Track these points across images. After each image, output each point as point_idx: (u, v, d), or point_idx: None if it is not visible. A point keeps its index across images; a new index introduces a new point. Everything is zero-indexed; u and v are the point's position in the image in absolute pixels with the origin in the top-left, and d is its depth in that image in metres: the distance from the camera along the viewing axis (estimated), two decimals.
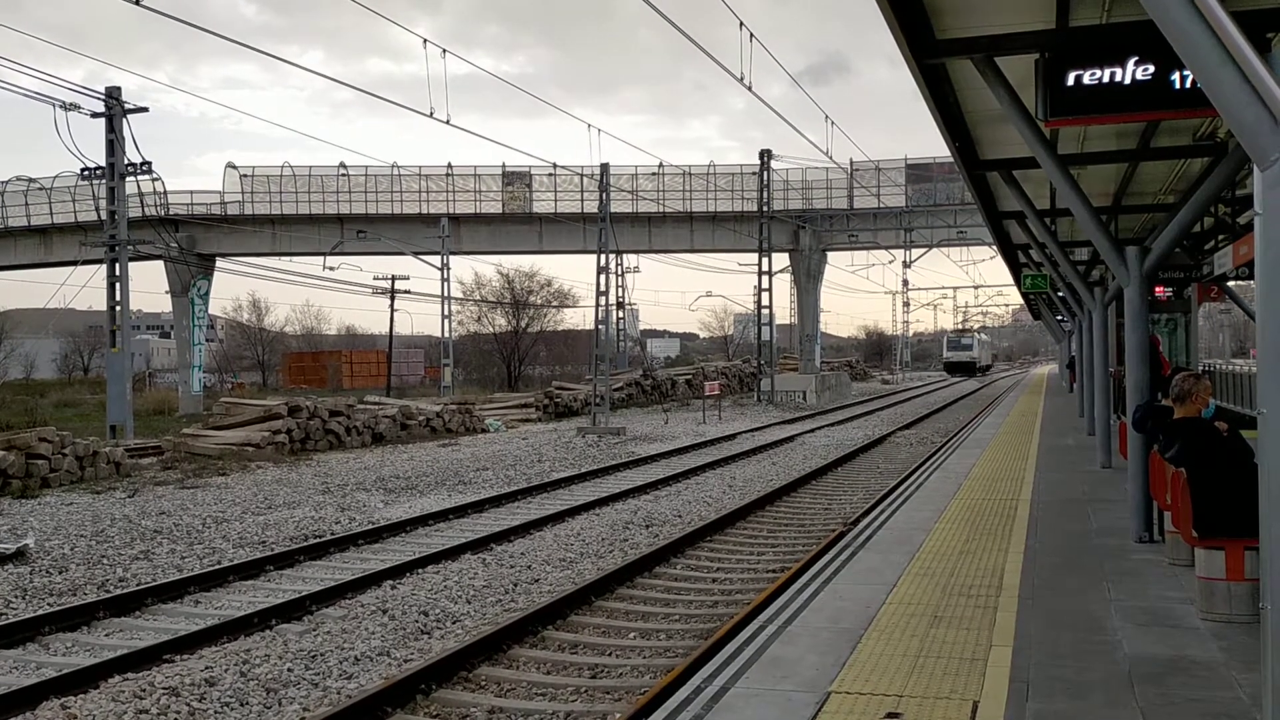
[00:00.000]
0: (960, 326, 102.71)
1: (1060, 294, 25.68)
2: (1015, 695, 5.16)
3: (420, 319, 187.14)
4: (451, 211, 51.28)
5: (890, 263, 63.19)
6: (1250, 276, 19.77)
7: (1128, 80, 7.40)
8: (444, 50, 21.30)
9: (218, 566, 12.13)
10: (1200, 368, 25.54)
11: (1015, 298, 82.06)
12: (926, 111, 10.16)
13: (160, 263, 49.10)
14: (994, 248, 33.70)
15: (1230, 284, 24.55)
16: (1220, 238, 20.05)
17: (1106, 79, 7.46)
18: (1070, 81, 7.52)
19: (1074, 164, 12.56)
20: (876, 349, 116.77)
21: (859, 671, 5.60)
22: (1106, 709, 4.99)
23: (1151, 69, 7.32)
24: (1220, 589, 6.44)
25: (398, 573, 11.56)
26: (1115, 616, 6.63)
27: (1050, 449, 17.40)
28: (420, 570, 11.78)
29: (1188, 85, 7.17)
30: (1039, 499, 11.72)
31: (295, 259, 49.57)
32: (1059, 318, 39.28)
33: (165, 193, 49.47)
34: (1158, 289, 22.97)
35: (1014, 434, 20.66)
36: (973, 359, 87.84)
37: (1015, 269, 28.28)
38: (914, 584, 7.62)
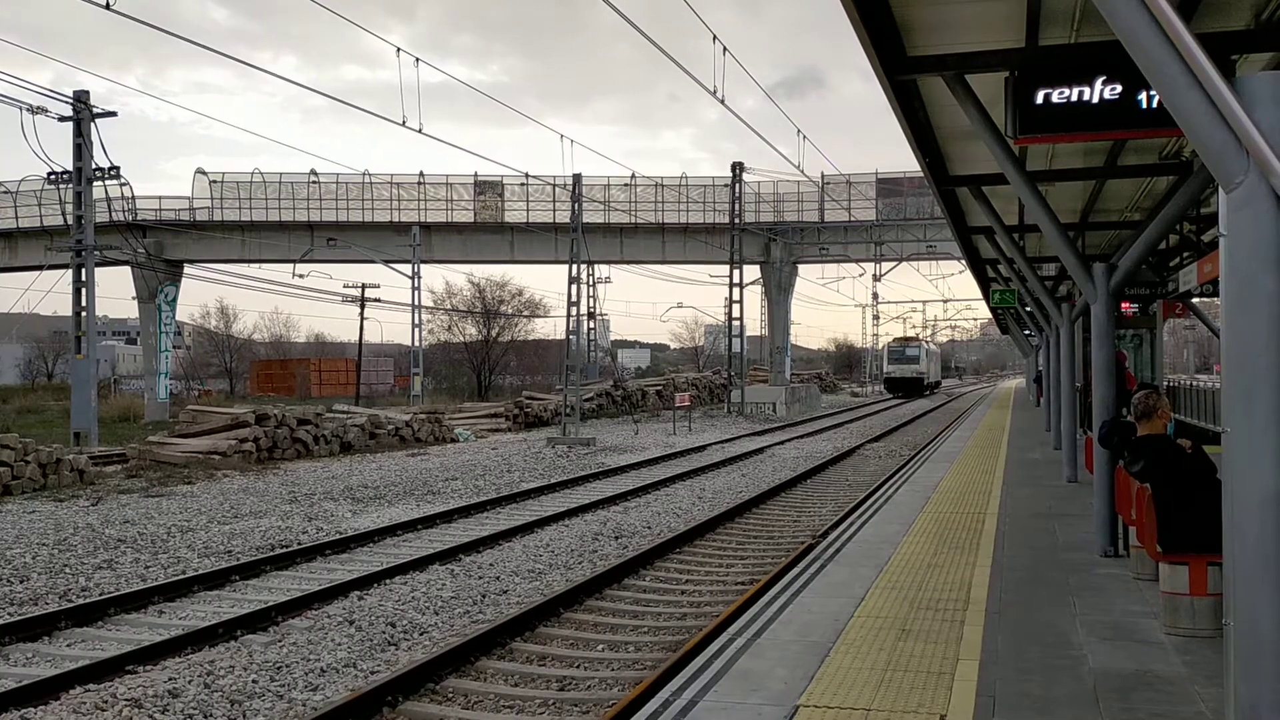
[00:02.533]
0: (905, 335, 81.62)
1: (1028, 309, 25.92)
2: (982, 709, 5.19)
3: (390, 327, 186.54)
4: (423, 220, 51.12)
5: (860, 275, 63.43)
6: (1214, 294, 20.04)
7: (1095, 99, 7.49)
8: (417, 59, 21.29)
9: (182, 576, 11.99)
10: (1164, 384, 25.83)
11: (983, 312, 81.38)
12: (898, 126, 10.24)
13: (127, 268, 48.65)
14: (963, 262, 33.96)
15: (1194, 300, 24.88)
16: (1185, 255, 20.33)
17: (1075, 98, 7.55)
18: (1039, 100, 7.60)
19: (1042, 181, 12.69)
20: (846, 361, 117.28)
21: (827, 685, 5.61)
22: None
23: (1119, 88, 7.42)
24: (1184, 604, 6.51)
25: (365, 583, 11.47)
26: (1081, 631, 6.68)
27: (1017, 463, 17.53)
28: (388, 581, 11.70)
29: (1154, 105, 7.26)
30: (1006, 513, 11.80)
31: (264, 266, 49.21)
32: (1026, 332, 39.62)
33: (133, 197, 49.06)
34: (1124, 305, 23.25)
35: (981, 448, 20.80)
36: (919, 374, 72.18)
37: (984, 283, 28.51)
38: (882, 597, 7.65)
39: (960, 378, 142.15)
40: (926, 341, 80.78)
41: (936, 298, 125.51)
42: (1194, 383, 28.09)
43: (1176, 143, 11.31)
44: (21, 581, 11.93)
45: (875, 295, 74.33)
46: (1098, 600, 7.51)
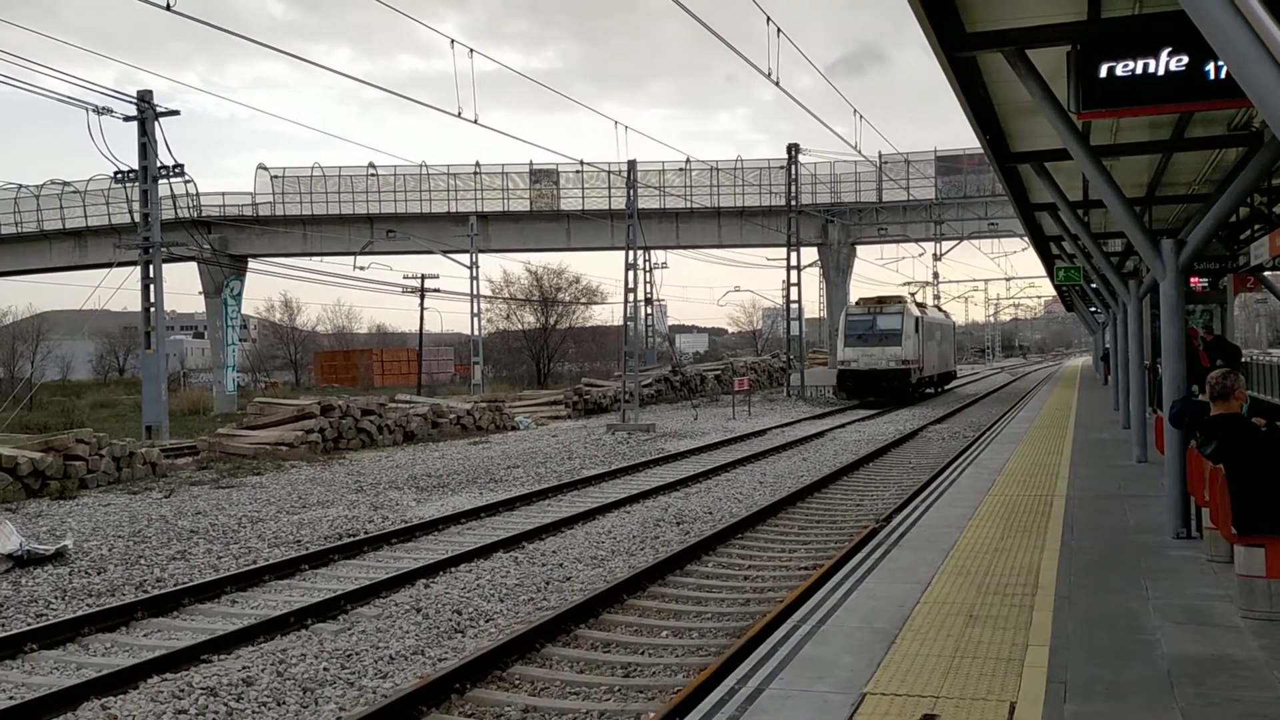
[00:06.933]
0: (880, 295, 44.01)
1: (1093, 285, 25.46)
2: (1053, 696, 5.12)
3: (450, 317, 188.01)
4: (480, 210, 51.45)
5: (920, 255, 62.40)
6: None
7: (1161, 71, 7.33)
8: (471, 50, 21.37)
9: (253, 566, 12.23)
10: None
11: (1048, 289, 79.77)
12: (957, 102, 10.09)
13: (194, 264, 49.58)
14: (1026, 239, 33.43)
15: (1267, 274, 24.21)
16: (1257, 227, 19.80)
17: (1139, 70, 7.39)
18: (1103, 73, 7.45)
19: (1107, 155, 12.43)
20: None
21: (894, 672, 5.57)
22: (1145, 710, 4.94)
23: (1185, 60, 7.24)
24: (1260, 586, 6.36)
25: (431, 571, 11.61)
26: (1153, 615, 6.56)
27: (1085, 443, 17.23)
28: (453, 569, 11.83)
29: (1223, 76, 7.08)
30: (1074, 495, 11.61)
31: (326, 259, 49.90)
32: (1092, 309, 38.90)
33: (197, 194, 49.94)
34: (1193, 279, 22.71)
35: (1048, 428, 20.48)
36: (902, 363, 39.27)
37: (1048, 261, 28.05)
38: (948, 583, 7.57)
39: (1025, 356, 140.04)
40: (921, 305, 46.90)
41: (999, 276, 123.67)
42: (1267, 357, 27.36)
43: (1246, 113, 11.00)
44: (99, 573, 12.25)
45: (935, 275, 73.28)
46: (1170, 583, 7.37)
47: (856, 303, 44.08)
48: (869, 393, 39.66)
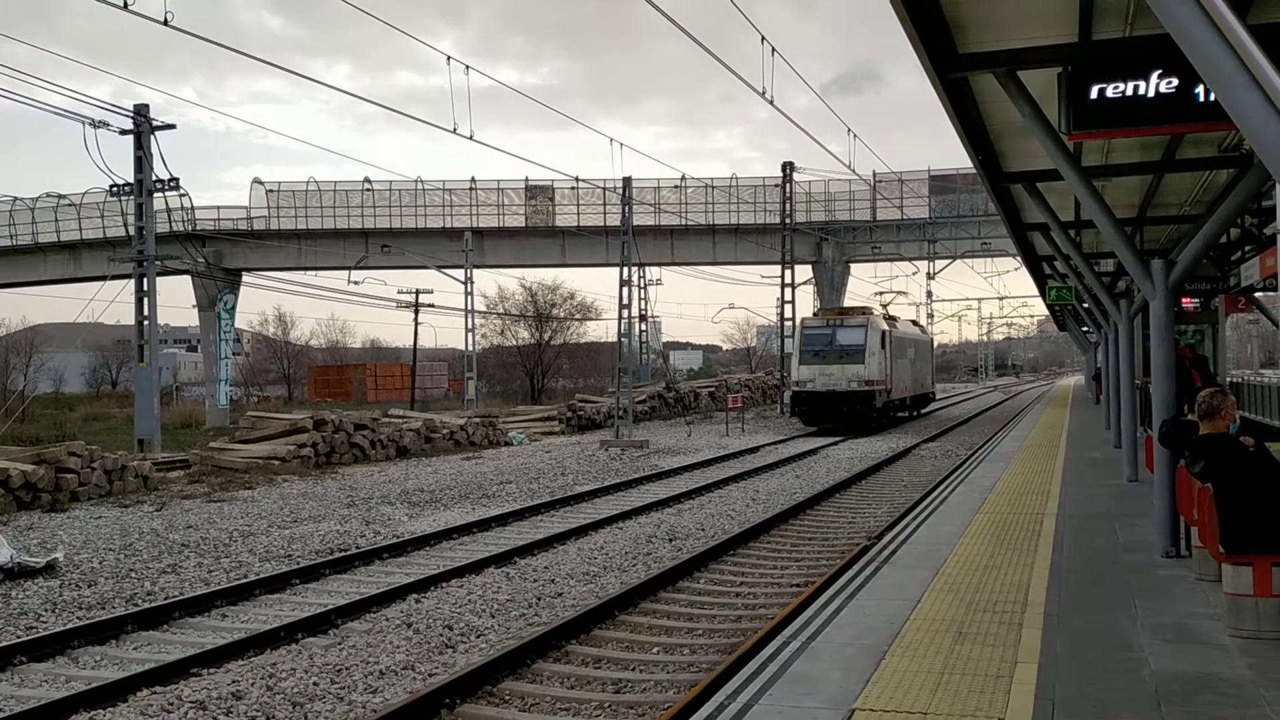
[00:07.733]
0: (842, 305, 44.38)
1: (1085, 305, 25.55)
2: (1041, 713, 5.14)
3: (444, 332, 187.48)
4: (475, 225, 51.51)
5: (914, 274, 62.60)
6: (1277, 288, 19.59)
7: (1151, 93, 7.39)
8: (467, 67, 21.43)
9: (244, 580, 12.21)
10: (1227, 379, 25.28)
11: (1040, 309, 79.66)
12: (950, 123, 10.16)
13: (188, 277, 49.56)
14: (1018, 259, 33.54)
15: (1258, 295, 24.34)
16: (1247, 249, 19.92)
17: (1130, 92, 7.45)
18: (1093, 95, 7.51)
19: (1098, 176, 12.51)
20: None
21: (883, 689, 5.58)
22: None
23: (1175, 82, 7.31)
24: (1248, 605, 6.39)
25: (422, 586, 11.60)
26: (1142, 633, 6.58)
27: (1076, 462, 17.28)
28: (444, 584, 11.82)
29: (1212, 98, 7.14)
30: (1065, 513, 11.64)
31: (320, 273, 49.95)
32: (1084, 329, 39.03)
33: (192, 208, 49.93)
34: (1184, 300, 22.82)
35: (1039, 447, 20.53)
36: (866, 383, 34.47)
37: (1040, 280, 28.15)
38: (939, 600, 7.59)
39: (1018, 375, 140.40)
40: (892, 318, 40.68)
41: (992, 295, 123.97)
42: (1259, 378, 27.45)
43: (1236, 135, 11.08)
44: (90, 586, 12.22)
45: (929, 293, 73.46)
46: (1159, 602, 7.40)
47: (815, 313, 39.21)
48: (827, 418, 34.43)
